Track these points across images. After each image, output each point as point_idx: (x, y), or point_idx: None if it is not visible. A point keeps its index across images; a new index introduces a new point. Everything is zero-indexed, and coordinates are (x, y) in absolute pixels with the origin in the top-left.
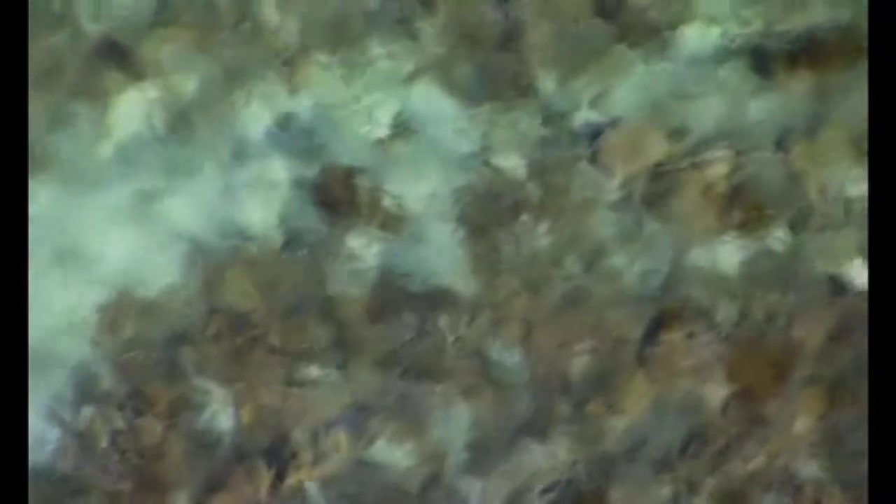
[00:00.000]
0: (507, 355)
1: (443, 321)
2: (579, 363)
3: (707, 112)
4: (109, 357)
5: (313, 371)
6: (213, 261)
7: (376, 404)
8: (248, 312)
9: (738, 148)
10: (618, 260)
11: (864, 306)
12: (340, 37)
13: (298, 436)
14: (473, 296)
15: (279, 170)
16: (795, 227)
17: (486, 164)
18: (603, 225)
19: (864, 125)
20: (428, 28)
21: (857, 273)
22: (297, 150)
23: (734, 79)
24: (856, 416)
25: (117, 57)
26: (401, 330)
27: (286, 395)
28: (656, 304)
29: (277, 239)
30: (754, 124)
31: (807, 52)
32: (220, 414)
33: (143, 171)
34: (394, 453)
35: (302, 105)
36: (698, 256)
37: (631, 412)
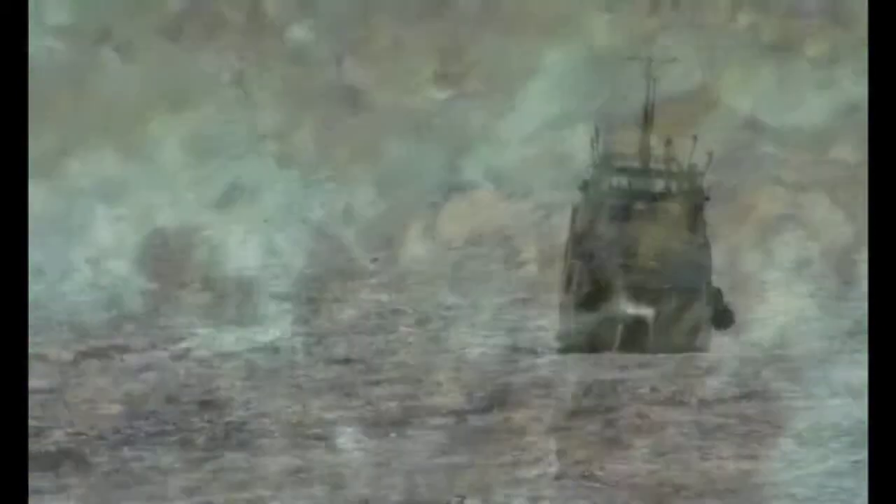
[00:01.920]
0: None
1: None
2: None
3: (552, 178)
4: None
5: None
6: None
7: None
8: None
9: (581, 216)
10: (460, 330)
11: (705, 376)
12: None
13: None
14: (305, 366)
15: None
16: (638, 297)
17: (321, 231)
18: (442, 294)
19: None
20: (266, 94)
21: (702, 341)
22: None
23: (578, 146)
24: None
25: None
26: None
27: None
28: (498, 376)
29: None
30: (599, 191)
31: (651, 119)
32: None
33: None
34: None
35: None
36: (541, 325)
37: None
